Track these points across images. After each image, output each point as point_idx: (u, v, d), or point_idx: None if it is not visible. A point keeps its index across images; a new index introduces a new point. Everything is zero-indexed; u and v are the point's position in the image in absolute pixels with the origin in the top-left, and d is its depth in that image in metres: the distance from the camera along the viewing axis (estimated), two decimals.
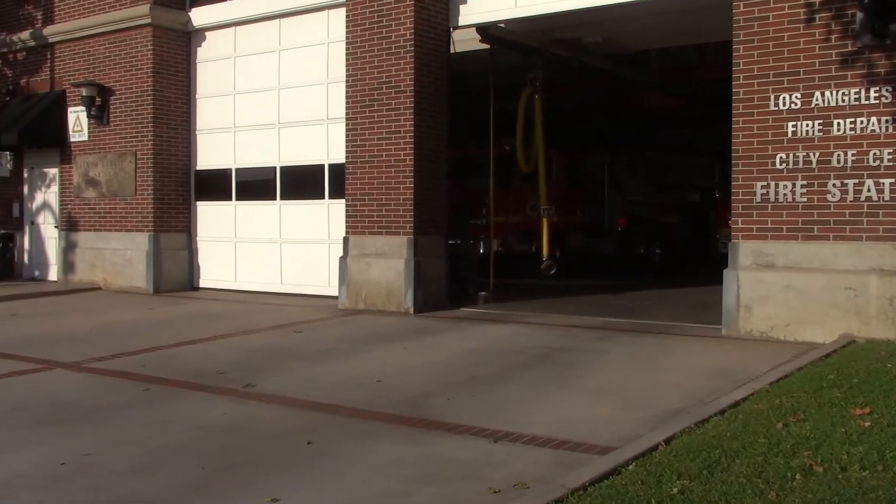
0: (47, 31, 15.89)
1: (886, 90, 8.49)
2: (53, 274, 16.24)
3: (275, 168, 13.96)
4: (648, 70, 17.67)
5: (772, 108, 9.08)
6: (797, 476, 4.35)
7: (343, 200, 12.41)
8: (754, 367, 7.44)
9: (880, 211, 8.51)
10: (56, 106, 15.72)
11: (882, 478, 4.27)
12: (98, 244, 15.32)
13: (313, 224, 13.42)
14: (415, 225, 11.67)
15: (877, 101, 8.54)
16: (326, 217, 13.21)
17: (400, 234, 11.74)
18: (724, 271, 9.37)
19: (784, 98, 9.02)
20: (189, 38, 14.94)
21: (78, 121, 15.49)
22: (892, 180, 8.45)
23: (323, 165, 13.24)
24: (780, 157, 9.03)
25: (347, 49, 12.21)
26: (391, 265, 11.79)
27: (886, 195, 8.47)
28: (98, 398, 7.02)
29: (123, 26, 14.68)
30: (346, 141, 12.24)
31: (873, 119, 8.57)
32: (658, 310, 11.78)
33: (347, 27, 12.21)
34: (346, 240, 12.28)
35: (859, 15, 8.59)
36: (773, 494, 4.11)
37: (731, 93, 9.35)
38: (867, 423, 5.21)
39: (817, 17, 8.84)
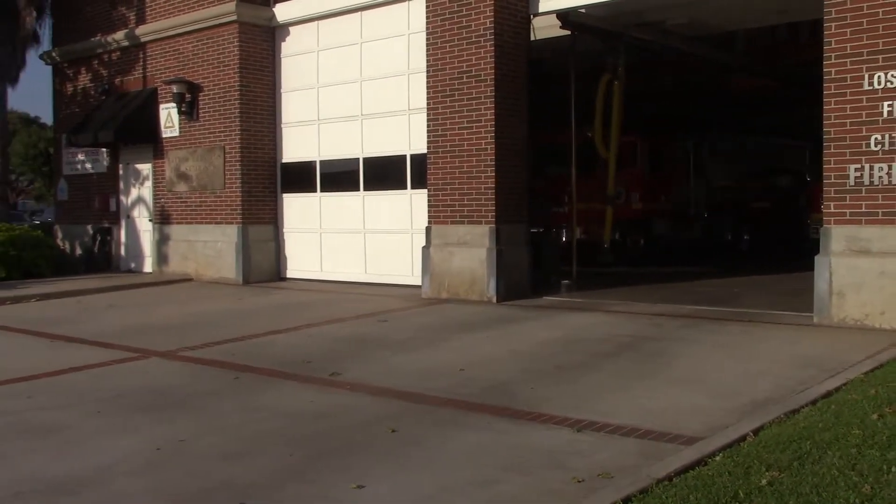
0: (139, 31, 16.41)
1: None
2: (148, 265, 16.82)
3: (358, 159, 14.14)
4: (735, 52, 17.21)
5: (866, 87, 8.75)
6: (893, 469, 4.21)
7: (425, 190, 12.49)
8: (848, 356, 7.21)
9: None
10: (148, 103, 16.24)
11: None
12: (190, 236, 15.79)
13: (396, 214, 13.55)
14: (496, 214, 11.66)
15: None
16: (409, 207, 13.31)
17: (482, 223, 11.75)
18: (816, 257, 9.09)
19: (879, 77, 8.68)
20: (273, 34, 15.22)
21: (169, 117, 15.97)
22: None
23: (405, 156, 13.34)
24: (875, 139, 8.71)
25: (427, 39, 12.26)
26: (473, 254, 11.82)
27: None
28: (191, 386, 7.26)
29: (210, 24, 15.06)
30: (428, 131, 12.30)
31: None
32: (746, 297, 11.51)
33: (427, 17, 12.26)
34: (428, 229, 12.36)
35: None
36: (868, 488, 3.99)
37: (821, 73, 9.06)
38: None
39: None
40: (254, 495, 4.59)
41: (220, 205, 15.23)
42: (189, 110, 15.50)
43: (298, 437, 5.60)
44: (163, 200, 16.31)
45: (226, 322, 10.82)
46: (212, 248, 15.38)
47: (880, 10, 8.66)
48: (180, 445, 5.46)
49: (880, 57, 8.66)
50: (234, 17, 14.70)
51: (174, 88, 15.44)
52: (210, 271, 15.39)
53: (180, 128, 15.82)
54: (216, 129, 15.18)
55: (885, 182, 8.65)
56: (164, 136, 16.15)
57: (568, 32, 12.71)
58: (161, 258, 16.29)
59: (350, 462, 5.05)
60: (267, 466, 5.03)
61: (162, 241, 16.28)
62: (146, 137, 16.29)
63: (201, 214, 15.58)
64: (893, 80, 8.59)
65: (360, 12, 13.91)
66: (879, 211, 8.69)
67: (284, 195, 15.41)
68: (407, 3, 13.14)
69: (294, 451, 5.28)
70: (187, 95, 15.45)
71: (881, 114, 8.68)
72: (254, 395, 6.86)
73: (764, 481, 4.13)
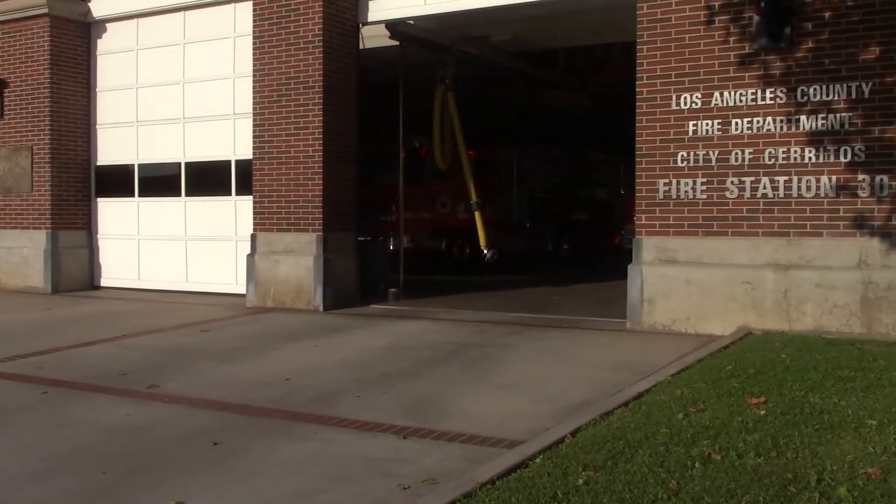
0: None
1: (781, 91, 8.83)
2: None
3: (179, 164, 13.64)
4: (556, 69, 17.93)
5: (674, 107, 9.34)
6: (696, 464, 4.49)
7: (251, 197, 12.22)
8: (657, 360, 7.64)
9: (775, 207, 8.86)
10: None
11: (775, 464, 4.45)
12: None
13: (220, 221, 13.16)
14: (324, 221, 11.58)
15: (772, 102, 8.88)
16: (233, 214, 12.97)
17: (309, 230, 11.63)
18: (629, 266, 9.59)
19: (685, 98, 9.29)
20: (89, 30, 14.45)
21: None
22: (787, 178, 8.80)
23: (229, 161, 12.99)
24: (682, 156, 9.30)
25: (255, 43, 12.02)
26: (300, 262, 11.68)
27: (781, 192, 8.82)
28: None
29: (19, 16, 14.10)
30: (254, 137, 12.05)
31: (769, 119, 8.91)
32: (566, 305, 11.99)
33: (255, 21, 12.02)
34: (253, 237, 12.10)
35: (756, 18, 8.91)
36: (674, 483, 4.23)
37: (635, 92, 9.58)
38: (762, 412, 5.43)
39: (717, 19, 9.12)
40: None
41: (26, 209, 14.29)
42: None
43: (113, 453, 5.32)
44: None
45: (33, 333, 10.13)
46: (17, 255, 14.39)
47: (686, 36, 9.27)
48: None
49: (686, 79, 9.27)
50: (44, 10, 13.83)
51: None
52: (15, 279, 14.39)
53: None
54: (23, 128, 14.23)
55: (691, 196, 9.25)
56: None
57: (397, 43, 12.82)
58: None
59: (168, 477, 4.85)
60: (77, 485, 4.74)
61: None
62: None
63: (5, 219, 14.55)
64: (698, 101, 9.22)
65: (183, 12, 13.43)
66: (685, 223, 9.29)
67: (99, 199, 14.63)
68: (233, 4, 12.82)
69: (107, 468, 5.00)
70: None
71: (687, 132, 9.28)
72: (64, 410, 6.46)
73: (581, 481, 4.31)
